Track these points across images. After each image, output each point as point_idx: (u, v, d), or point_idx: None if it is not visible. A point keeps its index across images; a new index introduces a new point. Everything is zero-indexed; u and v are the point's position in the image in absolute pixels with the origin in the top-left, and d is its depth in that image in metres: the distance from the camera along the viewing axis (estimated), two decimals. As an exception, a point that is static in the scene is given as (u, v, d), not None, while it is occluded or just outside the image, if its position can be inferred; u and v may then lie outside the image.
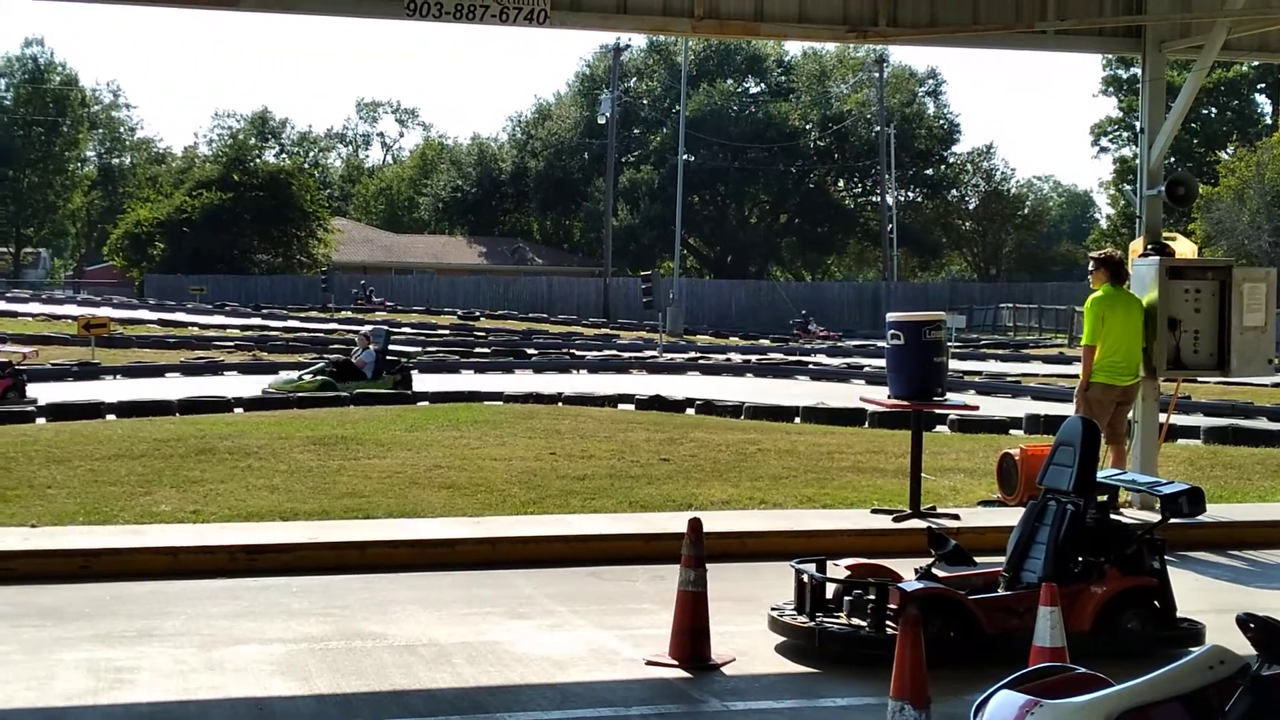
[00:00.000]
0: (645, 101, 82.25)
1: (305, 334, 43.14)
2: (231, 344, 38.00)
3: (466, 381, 28.39)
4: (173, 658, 7.34)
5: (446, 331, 47.89)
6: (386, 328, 30.42)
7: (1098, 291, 11.65)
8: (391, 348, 28.78)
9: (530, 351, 38.93)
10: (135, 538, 9.91)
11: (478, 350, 39.06)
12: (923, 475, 11.87)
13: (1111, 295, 11.54)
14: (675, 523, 9.87)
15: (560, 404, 22.19)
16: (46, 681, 6.86)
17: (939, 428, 19.09)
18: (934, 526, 9.85)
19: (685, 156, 62.87)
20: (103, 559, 9.43)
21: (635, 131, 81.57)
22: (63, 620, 8.11)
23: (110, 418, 19.35)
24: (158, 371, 29.87)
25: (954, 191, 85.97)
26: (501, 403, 22.25)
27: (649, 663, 7.43)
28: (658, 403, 22.06)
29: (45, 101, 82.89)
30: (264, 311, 53.78)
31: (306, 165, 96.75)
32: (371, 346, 25.51)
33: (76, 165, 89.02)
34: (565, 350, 40.26)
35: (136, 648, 7.52)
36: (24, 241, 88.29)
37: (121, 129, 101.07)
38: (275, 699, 6.68)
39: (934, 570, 7.94)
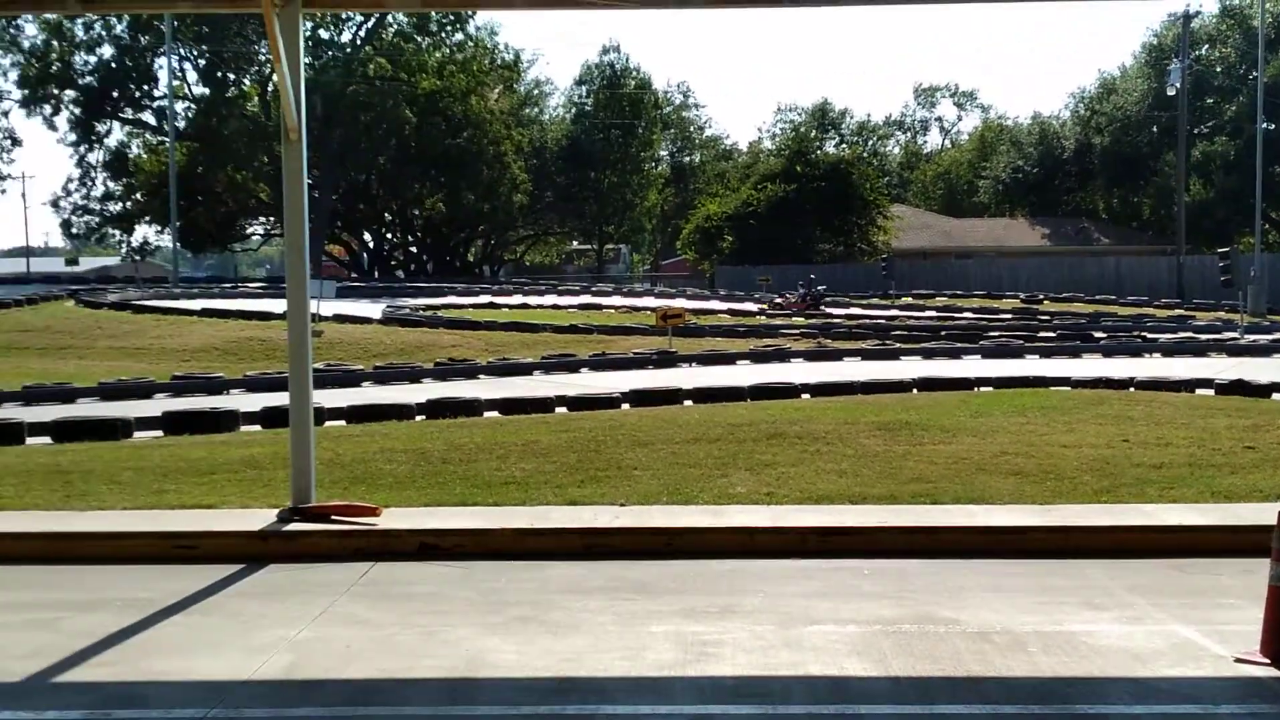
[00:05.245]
0: (1218, 69, 77.46)
1: (867, 321, 43.66)
2: (796, 332, 39.01)
3: (1031, 366, 27.82)
4: (752, 634, 7.64)
5: (1009, 316, 47.14)
6: None
7: None
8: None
9: (1098, 335, 37.69)
10: (714, 518, 10.38)
11: (1042, 335, 38.20)
12: None
13: None
14: (1263, 514, 9.31)
15: (1132, 389, 21.34)
16: (639, 652, 7.31)
17: None
18: None
19: (1264, 125, 58.67)
20: (685, 537, 9.95)
21: (1208, 101, 77.00)
22: (651, 595, 8.62)
23: (687, 403, 20.36)
24: (728, 359, 31.10)
25: None
26: (1069, 388, 21.71)
27: (1238, 660, 7.04)
28: (1240, 387, 20.79)
29: (622, 105, 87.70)
30: (826, 299, 54.79)
31: (866, 154, 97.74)
32: None
33: (651, 165, 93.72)
34: (1135, 333, 38.68)
35: (719, 623, 7.88)
36: (605, 239, 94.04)
37: (691, 128, 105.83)
38: (852, 679, 6.81)
39: None
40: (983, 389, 22.17)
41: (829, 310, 48.90)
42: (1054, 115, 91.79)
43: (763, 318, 46.18)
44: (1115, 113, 79.65)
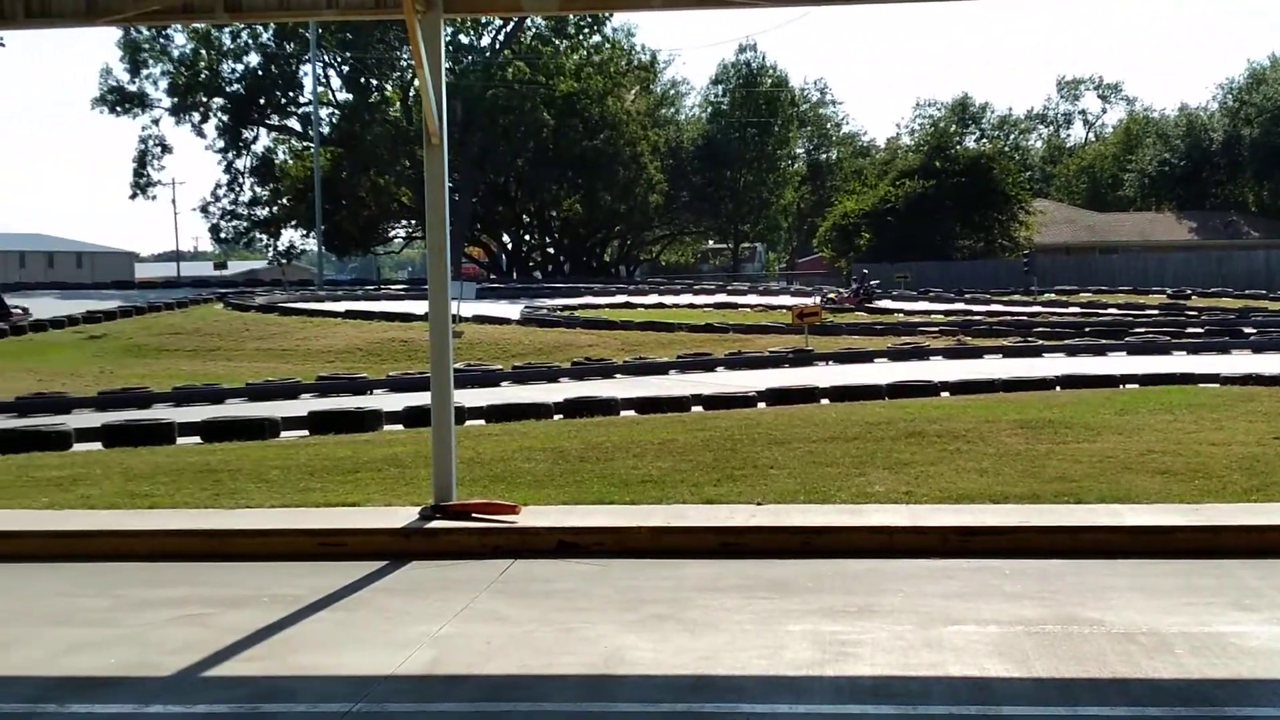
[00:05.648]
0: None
1: (1008, 317, 43.02)
2: (935, 329, 38.60)
3: (1178, 363, 27.20)
4: (892, 633, 7.59)
5: (1155, 311, 46.16)
6: None
7: None
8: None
9: (1247, 330, 36.71)
10: (852, 517, 10.31)
11: (1189, 330, 37.33)
12: None
13: None
14: None
15: (1285, 385, 20.77)
16: (777, 651, 7.30)
17: None
18: None
19: None
20: (823, 537, 9.90)
21: (1368, 87, 74.75)
22: (788, 594, 8.60)
23: (824, 402, 20.26)
24: (866, 357, 30.87)
25: None
26: (1217, 385, 21.20)
27: (1396, 665, 6.83)
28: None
29: (758, 103, 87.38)
30: (966, 296, 54.20)
31: (1007, 148, 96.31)
32: None
33: (787, 163, 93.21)
34: (1288, 328, 37.58)
35: (857, 623, 7.84)
36: (741, 237, 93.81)
37: (828, 125, 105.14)
38: (993, 679, 6.73)
39: None
40: (1128, 386, 21.75)
41: (881, 305, 48.59)
42: (1201, 107, 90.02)
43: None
44: (1265, 103, 77.63)
